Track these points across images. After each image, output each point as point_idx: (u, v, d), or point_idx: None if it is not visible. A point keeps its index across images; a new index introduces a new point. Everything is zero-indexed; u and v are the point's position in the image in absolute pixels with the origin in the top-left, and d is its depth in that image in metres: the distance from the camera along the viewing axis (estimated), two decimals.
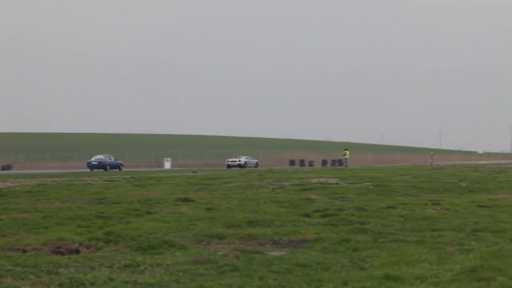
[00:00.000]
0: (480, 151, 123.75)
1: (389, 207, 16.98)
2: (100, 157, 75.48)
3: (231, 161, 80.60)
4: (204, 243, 11.46)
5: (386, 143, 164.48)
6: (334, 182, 30.56)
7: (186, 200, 19.59)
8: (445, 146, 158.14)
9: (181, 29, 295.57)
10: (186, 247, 10.84)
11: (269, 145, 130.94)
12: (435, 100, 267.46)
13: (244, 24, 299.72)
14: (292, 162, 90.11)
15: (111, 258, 9.50)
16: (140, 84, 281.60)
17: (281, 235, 12.17)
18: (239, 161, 79.38)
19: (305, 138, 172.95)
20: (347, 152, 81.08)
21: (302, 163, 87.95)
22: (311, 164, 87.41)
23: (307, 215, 15.27)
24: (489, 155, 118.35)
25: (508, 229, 12.20)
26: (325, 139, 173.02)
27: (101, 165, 72.40)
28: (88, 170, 70.14)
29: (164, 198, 20.46)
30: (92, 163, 73.45)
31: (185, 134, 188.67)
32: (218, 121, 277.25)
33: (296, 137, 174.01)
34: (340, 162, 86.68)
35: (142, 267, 8.97)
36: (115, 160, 76.53)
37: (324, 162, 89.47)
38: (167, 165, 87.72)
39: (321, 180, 32.20)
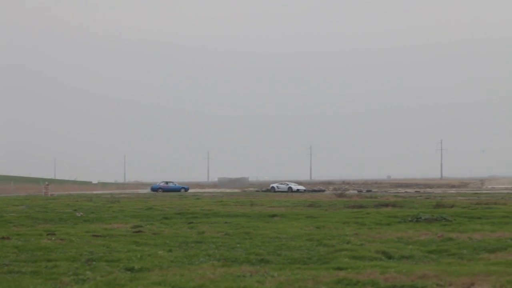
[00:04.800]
0: (95, 181, 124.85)
1: (3, 238, 16.67)
2: None
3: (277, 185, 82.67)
4: None
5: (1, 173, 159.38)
6: None
7: None
8: (60, 175, 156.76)
9: None
10: None
11: None
12: (49, 128, 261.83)
13: None
14: None
15: None
16: None
17: None
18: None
19: None
20: None
21: None
22: None
23: None
24: (103, 185, 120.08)
25: (122, 258, 12.68)
26: None
27: None
28: None
29: None
30: None
31: None
32: None
33: None
34: None
35: None
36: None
37: None
38: None
39: None
